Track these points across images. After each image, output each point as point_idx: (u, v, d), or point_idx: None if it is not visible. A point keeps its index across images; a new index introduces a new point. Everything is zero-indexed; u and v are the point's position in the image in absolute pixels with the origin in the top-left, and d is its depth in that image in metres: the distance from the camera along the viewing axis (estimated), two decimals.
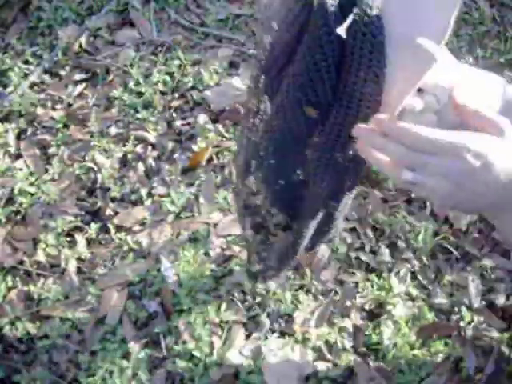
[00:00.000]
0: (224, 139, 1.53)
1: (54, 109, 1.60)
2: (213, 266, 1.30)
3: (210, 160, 1.49)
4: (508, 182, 0.50)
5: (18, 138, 1.54)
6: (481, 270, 1.36)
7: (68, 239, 1.35)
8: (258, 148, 0.69)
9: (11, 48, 1.72)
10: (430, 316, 1.27)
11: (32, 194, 1.41)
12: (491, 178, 0.49)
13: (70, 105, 1.61)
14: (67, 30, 1.74)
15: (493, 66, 1.71)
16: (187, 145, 1.52)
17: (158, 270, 1.29)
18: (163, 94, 1.63)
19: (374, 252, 1.37)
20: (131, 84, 1.63)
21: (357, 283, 1.32)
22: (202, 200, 1.41)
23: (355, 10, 0.50)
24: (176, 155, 1.51)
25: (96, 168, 1.47)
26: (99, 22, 1.78)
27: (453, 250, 1.37)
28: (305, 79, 0.55)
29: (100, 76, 1.67)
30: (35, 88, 1.64)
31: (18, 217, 1.38)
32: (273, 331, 1.24)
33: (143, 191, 1.43)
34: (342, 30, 0.49)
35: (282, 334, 1.24)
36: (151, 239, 1.35)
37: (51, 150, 1.50)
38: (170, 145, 1.52)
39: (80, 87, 1.65)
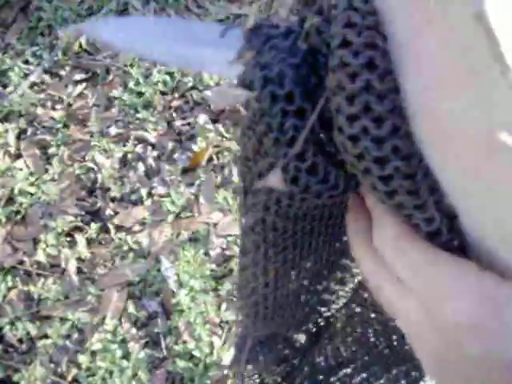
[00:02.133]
0: (224, 139, 1.53)
1: (54, 109, 1.60)
2: (213, 266, 1.30)
3: (210, 160, 1.49)
4: None
5: (18, 138, 1.54)
6: None
7: (68, 239, 1.35)
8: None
9: (11, 48, 1.72)
10: None
11: (32, 194, 1.41)
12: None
13: (70, 105, 1.61)
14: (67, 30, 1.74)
15: None
16: (187, 145, 1.53)
17: (158, 270, 1.29)
18: (163, 94, 1.63)
19: None
20: (131, 84, 1.63)
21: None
22: (202, 200, 1.41)
23: None
24: (176, 155, 1.51)
25: (96, 168, 1.47)
26: None
27: None
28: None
29: (100, 76, 1.67)
30: (35, 88, 1.64)
31: (18, 217, 1.38)
32: None
33: (143, 191, 1.43)
34: None
35: None
36: (151, 239, 1.35)
37: (51, 150, 1.50)
38: (170, 145, 1.52)
39: (80, 87, 1.65)
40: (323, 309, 0.44)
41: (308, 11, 0.24)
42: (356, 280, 0.41)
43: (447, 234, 0.24)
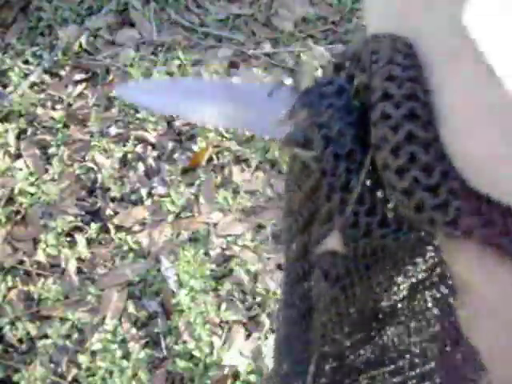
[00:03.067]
0: (224, 139, 1.53)
1: (54, 109, 1.60)
2: (213, 266, 1.30)
3: (210, 160, 1.49)
4: None
5: (18, 138, 1.54)
6: None
7: (68, 239, 1.35)
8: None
9: (11, 48, 1.72)
10: None
11: (32, 194, 1.41)
12: None
13: (70, 105, 1.61)
14: (67, 30, 1.74)
15: None
16: (187, 145, 1.53)
17: (158, 270, 1.29)
18: None
19: None
20: None
21: None
22: (202, 200, 1.41)
23: None
24: (176, 155, 1.51)
25: (96, 168, 1.47)
26: (99, 21, 1.78)
27: None
28: None
29: (100, 76, 1.67)
30: (35, 88, 1.64)
31: (18, 217, 1.38)
32: (273, 331, 1.24)
33: (143, 191, 1.43)
34: None
35: None
36: (151, 239, 1.35)
37: (51, 150, 1.50)
38: (170, 145, 1.52)
39: (80, 87, 1.65)
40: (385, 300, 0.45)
41: (354, 69, 0.24)
42: (420, 276, 0.42)
43: None
